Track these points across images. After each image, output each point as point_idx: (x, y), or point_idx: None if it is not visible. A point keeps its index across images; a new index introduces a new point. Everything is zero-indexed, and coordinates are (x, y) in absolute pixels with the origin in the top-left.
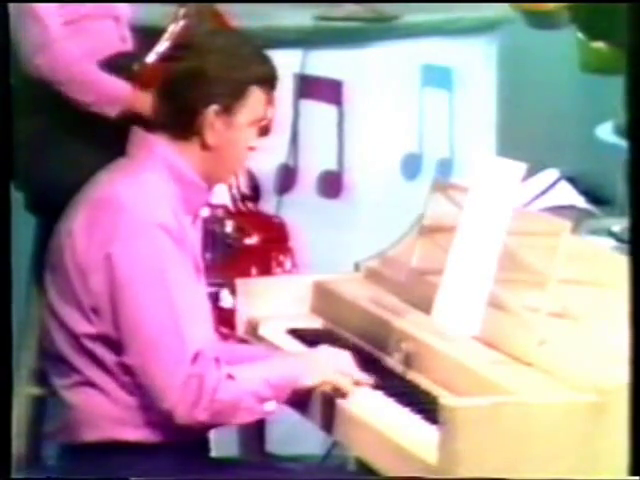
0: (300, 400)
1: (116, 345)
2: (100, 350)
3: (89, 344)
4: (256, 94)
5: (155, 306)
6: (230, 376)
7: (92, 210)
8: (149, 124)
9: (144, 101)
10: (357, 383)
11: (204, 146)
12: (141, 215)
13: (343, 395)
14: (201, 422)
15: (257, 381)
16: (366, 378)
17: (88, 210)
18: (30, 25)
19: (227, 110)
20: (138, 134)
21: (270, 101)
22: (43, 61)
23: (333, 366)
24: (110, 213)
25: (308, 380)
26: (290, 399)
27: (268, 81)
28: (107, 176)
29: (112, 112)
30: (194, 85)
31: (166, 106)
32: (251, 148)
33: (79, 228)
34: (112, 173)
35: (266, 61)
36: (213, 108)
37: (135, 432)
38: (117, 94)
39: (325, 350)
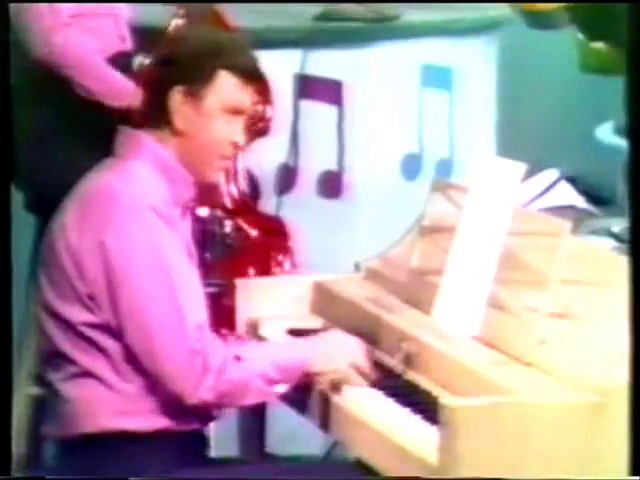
0: (300, 398)
1: (115, 331)
2: (98, 338)
3: (87, 332)
4: (226, 79)
5: (153, 285)
6: (238, 357)
7: (83, 202)
8: (136, 122)
9: None
10: (364, 375)
11: (174, 132)
12: (132, 199)
13: (339, 389)
14: (208, 402)
15: (266, 363)
16: (372, 371)
17: (79, 203)
18: (41, 11)
19: (193, 93)
20: (125, 132)
21: (249, 86)
22: (55, 43)
23: (343, 354)
24: (101, 201)
25: (317, 365)
26: (291, 398)
27: (239, 67)
28: (96, 173)
29: (115, 104)
30: (163, 70)
31: (145, 97)
32: (236, 145)
33: (71, 221)
34: (101, 170)
35: (239, 48)
36: (178, 89)
37: (134, 421)
38: (122, 88)
39: (336, 335)
